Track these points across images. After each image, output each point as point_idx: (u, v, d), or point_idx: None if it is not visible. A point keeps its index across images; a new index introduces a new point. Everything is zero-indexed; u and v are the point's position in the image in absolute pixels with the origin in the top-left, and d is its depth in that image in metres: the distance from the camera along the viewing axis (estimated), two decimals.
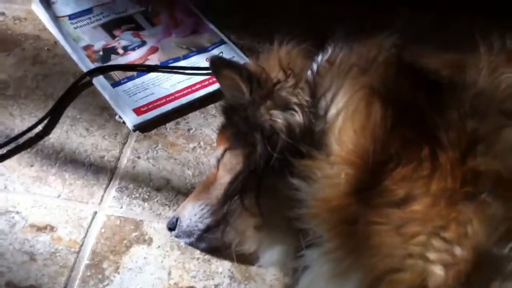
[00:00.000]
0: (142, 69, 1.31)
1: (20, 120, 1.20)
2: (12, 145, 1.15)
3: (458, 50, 0.92)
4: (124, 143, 1.18)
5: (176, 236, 1.01)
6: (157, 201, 1.09)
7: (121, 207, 1.07)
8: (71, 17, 1.42)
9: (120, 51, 1.36)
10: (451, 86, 0.85)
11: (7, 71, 1.30)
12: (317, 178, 0.83)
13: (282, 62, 0.96)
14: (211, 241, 0.99)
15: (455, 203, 0.77)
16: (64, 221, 1.04)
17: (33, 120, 1.20)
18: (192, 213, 0.98)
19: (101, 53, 1.35)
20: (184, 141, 1.19)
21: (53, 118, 1.21)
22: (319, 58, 0.96)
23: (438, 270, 0.76)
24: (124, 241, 1.02)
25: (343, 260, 0.82)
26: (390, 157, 0.81)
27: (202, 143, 1.19)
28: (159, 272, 0.99)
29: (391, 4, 1.47)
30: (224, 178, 0.96)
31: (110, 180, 1.11)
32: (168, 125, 1.22)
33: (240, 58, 1.34)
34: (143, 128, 1.21)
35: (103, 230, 1.03)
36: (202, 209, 0.98)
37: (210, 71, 1.26)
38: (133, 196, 1.09)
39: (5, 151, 1.14)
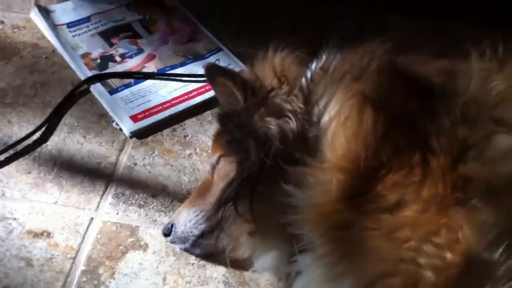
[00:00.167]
0: (139, 76, 1.32)
1: (18, 127, 1.21)
2: (10, 152, 1.16)
3: (453, 56, 0.93)
4: (121, 150, 1.19)
5: (171, 242, 1.02)
6: (153, 207, 1.10)
7: (117, 213, 1.08)
8: (69, 25, 1.43)
9: (118, 58, 1.37)
10: (442, 93, 0.86)
11: (5, 79, 1.31)
12: (310, 184, 0.84)
13: (276, 70, 0.97)
14: (206, 247, 1.00)
15: (446, 209, 0.78)
16: (60, 227, 1.05)
17: (31, 128, 1.21)
18: (187, 219, 0.99)
19: (98, 61, 1.36)
20: (180, 148, 1.20)
21: (50, 125, 1.22)
22: (313, 65, 0.97)
23: (429, 275, 0.76)
24: (120, 247, 1.03)
25: (336, 265, 0.83)
26: (382, 164, 0.82)
27: (198, 150, 1.20)
28: (154, 277, 0.99)
29: (390, 5, 1.49)
30: (219, 184, 0.97)
31: (106, 187, 1.12)
32: (165, 131, 1.23)
33: (236, 65, 1.36)
34: (140, 135, 1.22)
35: (99, 236, 1.04)
36: (197, 215, 0.99)
37: (206, 78, 1.28)
38: (129, 202, 1.10)
39: (3, 158, 1.15)
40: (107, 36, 1.42)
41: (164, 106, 1.27)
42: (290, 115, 0.91)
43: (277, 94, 0.94)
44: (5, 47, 1.38)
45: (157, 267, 1.01)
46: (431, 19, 1.45)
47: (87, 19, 1.45)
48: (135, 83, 1.31)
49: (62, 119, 1.24)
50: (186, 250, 1.01)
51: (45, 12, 1.45)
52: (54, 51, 1.38)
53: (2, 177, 1.13)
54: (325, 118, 0.89)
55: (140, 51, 1.39)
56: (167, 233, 1.01)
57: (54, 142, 1.20)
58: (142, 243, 1.04)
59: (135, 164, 1.17)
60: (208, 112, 1.26)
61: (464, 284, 0.76)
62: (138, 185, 1.13)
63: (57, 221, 1.06)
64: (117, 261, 1.01)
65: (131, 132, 1.22)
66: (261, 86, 0.95)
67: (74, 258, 1.01)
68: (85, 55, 1.37)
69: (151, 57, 1.38)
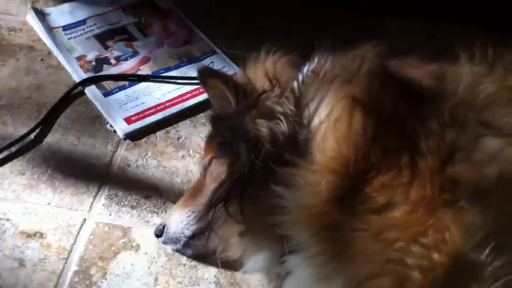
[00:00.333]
0: (134, 79, 1.33)
1: (13, 129, 1.22)
2: (5, 153, 1.17)
3: (446, 59, 0.94)
4: (115, 152, 1.20)
5: (163, 243, 1.03)
6: (145, 208, 1.10)
7: (110, 214, 1.09)
8: (65, 28, 1.45)
9: (113, 61, 1.38)
10: (432, 96, 0.87)
11: (1, 81, 1.32)
12: (300, 185, 0.85)
13: (268, 72, 0.98)
14: (197, 248, 1.01)
15: (434, 210, 0.79)
16: (53, 228, 1.06)
17: (26, 129, 1.21)
18: (179, 220, 1.00)
19: (93, 63, 1.37)
20: (174, 150, 1.21)
21: (45, 127, 1.23)
22: (305, 68, 0.98)
23: (416, 275, 0.77)
24: (112, 248, 1.04)
25: (326, 264, 0.84)
26: (371, 166, 0.83)
27: (191, 151, 1.21)
28: (146, 278, 1.00)
29: (388, 8, 1.50)
30: (211, 185, 0.97)
31: (99, 188, 1.13)
32: (158, 133, 1.24)
33: (231, 68, 1.37)
34: (134, 136, 1.23)
35: (91, 237, 1.05)
36: (189, 216, 0.99)
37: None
38: (122, 203, 1.11)
39: None
40: (103, 38, 1.43)
41: (158, 108, 1.28)
42: (281, 117, 0.92)
43: (268, 96, 0.95)
44: (1, 49, 1.39)
45: (148, 267, 1.01)
46: (427, 22, 1.47)
47: (83, 22, 1.47)
48: (130, 86, 1.32)
49: (57, 120, 1.25)
50: (177, 250, 1.02)
51: (41, 15, 1.46)
52: (49, 53, 1.39)
53: None
54: (316, 120, 0.89)
55: (135, 53, 1.40)
56: (159, 234, 1.02)
57: (48, 143, 1.21)
58: (134, 243, 1.05)
59: (129, 165, 1.18)
60: (202, 114, 1.27)
61: (450, 285, 0.76)
62: (131, 186, 1.14)
63: (50, 222, 1.07)
64: (109, 262, 1.01)
65: (125, 134, 1.23)
66: (253, 88, 0.96)
67: (67, 259, 1.02)
68: (80, 58, 1.38)
69: (146, 60, 1.39)
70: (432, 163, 0.81)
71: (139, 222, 1.08)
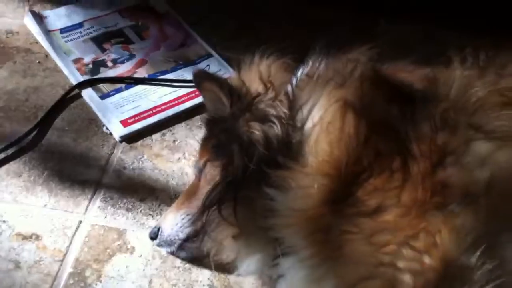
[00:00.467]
0: (130, 81, 1.34)
1: (10, 131, 1.23)
2: (1, 155, 1.18)
3: (440, 63, 0.95)
4: (111, 154, 1.21)
5: (158, 245, 1.03)
6: (140, 211, 1.11)
7: (105, 217, 1.09)
8: (62, 30, 1.45)
9: (109, 64, 1.39)
10: (424, 100, 0.88)
11: None
12: (292, 188, 0.86)
13: (262, 76, 0.98)
14: (192, 250, 1.01)
15: (425, 214, 0.80)
16: (49, 230, 1.07)
17: (23, 131, 1.22)
18: (174, 223, 1.01)
19: (90, 66, 1.38)
20: (169, 152, 1.22)
21: (41, 129, 1.24)
22: (299, 71, 0.99)
23: (407, 278, 0.78)
24: (107, 250, 1.04)
25: (318, 267, 0.85)
26: (363, 169, 0.83)
27: (186, 154, 1.21)
28: (140, 280, 1.01)
29: (387, 11, 1.51)
30: (205, 188, 0.98)
31: (95, 190, 1.14)
32: (154, 136, 1.25)
33: (227, 71, 1.37)
34: (130, 139, 1.24)
35: (87, 239, 1.06)
36: (183, 219, 1.00)
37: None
38: (117, 206, 1.11)
39: None
40: (100, 41, 1.44)
41: (154, 111, 1.29)
42: (275, 120, 0.92)
43: (262, 99, 0.95)
44: None
45: (143, 270, 1.02)
46: (420, 25, 1.47)
47: (80, 25, 1.47)
48: (126, 88, 1.33)
49: (53, 123, 1.26)
50: (172, 253, 1.03)
51: (39, 18, 1.46)
52: (47, 56, 1.40)
53: None
54: (309, 123, 0.90)
55: (131, 56, 1.41)
56: (153, 236, 1.03)
57: (45, 146, 1.21)
58: (129, 246, 1.05)
59: (124, 168, 1.18)
60: (197, 117, 1.28)
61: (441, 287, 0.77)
62: (126, 189, 1.14)
63: (46, 224, 1.08)
64: (104, 264, 1.02)
65: (121, 137, 1.23)
66: (247, 92, 0.97)
67: (62, 261, 1.02)
68: (77, 60, 1.39)
69: (142, 63, 1.40)
70: (423, 167, 0.82)
71: (134, 225, 1.08)
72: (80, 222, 1.08)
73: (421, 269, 0.78)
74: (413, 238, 0.79)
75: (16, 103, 1.29)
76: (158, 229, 1.02)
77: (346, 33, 1.37)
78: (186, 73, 1.37)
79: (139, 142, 1.23)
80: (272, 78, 0.98)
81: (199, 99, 1.29)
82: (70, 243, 1.05)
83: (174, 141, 1.24)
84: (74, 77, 1.34)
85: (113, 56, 1.40)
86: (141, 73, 1.37)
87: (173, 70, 1.38)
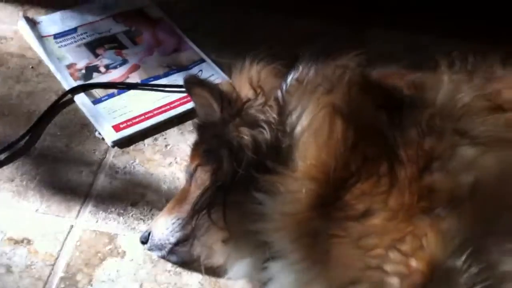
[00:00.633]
0: (123, 87, 1.35)
1: (3, 136, 1.24)
2: None
3: (428, 69, 0.96)
4: (103, 159, 1.21)
5: (149, 250, 1.04)
6: (132, 215, 1.12)
7: (97, 221, 1.10)
8: (56, 36, 1.46)
9: (102, 69, 1.40)
10: (411, 105, 0.89)
11: None
12: (281, 192, 0.87)
13: (252, 81, 0.99)
14: (182, 255, 1.02)
15: (412, 218, 0.80)
16: (41, 234, 1.07)
17: (16, 136, 1.23)
18: (164, 227, 1.01)
19: (83, 71, 1.39)
20: (161, 157, 1.23)
21: (34, 134, 1.25)
22: (290, 77, 1.00)
23: (394, 282, 0.79)
24: (98, 254, 1.05)
25: (307, 271, 0.86)
26: (351, 173, 0.84)
27: (178, 159, 1.22)
28: (131, 284, 1.01)
29: (370, 19, 1.52)
30: (196, 193, 0.98)
31: (87, 195, 1.14)
32: (146, 141, 1.26)
33: (219, 76, 1.38)
34: (122, 144, 1.24)
35: (78, 244, 1.06)
36: (174, 223, 1.01)
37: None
38: (108, 210, 1.12)
39: None
40: (93, 47, 1.45)
41: (146, 116, 1.29)
42: (264, 126, 0.93)
43: (252, 105, 0.96)
44: None
45: (134, 274, 1.03)
46: (409, 33, 1.49)
47: (73, 30, 1.48)
48: (119, 93, 1.34)
49: (46, 128, 1.26)
50: (163, 257, 1.04)
51: (32, 23, 1.47)
52: (40, 61, 1.40)
53: None
54: (298, 128, 0.91)
55: (124, 61, 1.42)
56: (144, 240, 1.03)
57: (37, 150, 1.22)
58: (120, 250, 1.06)
59: (116, 172, 1.19)
60: (190, 122, 1.28)
61: None
62: (118, 193, 1.15)
63: (37, 229, 1.08)
64: (95, 268, 1.03)
65: (113, 142, 1.24)
66: (237, 97, 0.98)
67: (53, 265, 1.03)
68: (70, 66, 1.39)
69: (135, 68, 1.41)
70: (410, 172, 0.83)
71: (126, 229, 1.09)
72: (72, 226, 1.09)
73: (408, 272, 0.78)
74: (400, 242, 0.80)
75: (9, 108, 1.29)
76: (149, 234, 1.02)
77: (334, 41, 1.38)
78: (179, 78, 1.37)
79: (131, 147, 1.24)
80: (262, 84, 0.99)
81: (191, 104, 1.29)
82: (62, 247, 1.05)
83: (166, 146, 1.25)
84: (67, 83, 1.35)
85: (106, 61, 1.41)
86: (134, 78, 1.38)
87: (165, 75, 1.39)
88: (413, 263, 0.78)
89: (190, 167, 1.03)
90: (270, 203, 0.86)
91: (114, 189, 1.16)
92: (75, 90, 1.33)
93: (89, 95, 1.33)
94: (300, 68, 1.00)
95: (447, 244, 0.78)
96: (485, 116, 0.84)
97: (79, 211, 1.11)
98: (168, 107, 1.32)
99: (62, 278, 1.01)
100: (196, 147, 1.04)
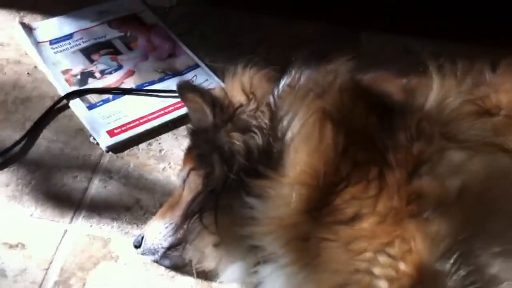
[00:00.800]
0: (117, 92, 1.36)
1: None
2: None
3: (419, 73, 0.97)
4: (97, 164, 1.22)
5: (142, 254, 1.05)
6: (126, 220, 1.12)
7: (91, 226, 1.11)
8: (52, 42, 1.47)
9: (98, 75, 1.41)
10: (401, 110, 0.90)
11: None
12: (271, 197, 0.88)
13: (244, 87, 1.00)
14: (175, 258, 1.03)
15: (401, 221, 0.82)
16: (35, 239, 1.08)
17: (11, 142, 1.24)
18: (157, 232, 1.02)
19: (79, 77, 1.40)
20: (155, 162, 1.23)
21: (30, 139, 1.26)
22: (282, 82, 1.01)
23: (382, 285, 0.80)
24: (92, 258, 1.06)
25: (297, 274, 0.87)
26: (341, 178, 0.85)
27: (172, 164, 1.23)
28: None
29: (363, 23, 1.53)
30: (188, 197, 1.00)
31: (81, 200, 1.15)
32: (141, 146, 1.27)
33: (214, 81, 1.39)
34: (116, 149, 1.25)
35: (72, 248, 1.07)
36: (167, 228, 1.02)
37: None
38: (102, 215, 1.13)
39: None
40: (88, 52, 1.45)
41: (140, 121, 1.30)
42: (256, 131, 0.94)
43: (244, 110, 0.97)
44: None
45: (127, 278, 1.04)
46: (403, 37, 1.50)
47: (69, 36, 1.49)
48: (113, 99, 1.35)
49: (41, 133, 1.27)
50: (156, 261, 1.04)
51: (29, 29, 1.48)
52: (36, 67, 1.41)
53: None
54: (289, 134, 0.92)
55: (119, 67, 1.43)
56: (137, 245, 1.04)
57: (33, 156, 1.23)
58: (113, 254, 1.07)
59: (111, 177, 1.20)
60: (184, 127, 1.28)
61: None
62: (112, 198, 1.16)
63: (32, 233, 1.09)
64: (89, 272, 1.04)
65: (108, 147, 1.25)
66: (230, 102, 0.99)
67: (47, 269, 1.04)
68: (66, 71, 1.40)
69: (130, 73, 1.42)
70: (399, 176, 0.84)
71: (119, 234, 1.10)
72: (66, 231, 1.10)
73: (396, 275, 0.80)
74: (388, 245, 0.81)
75: (5, 114, 1.30)
76: (142, 238, 1.03)
77: (326, 46, 1.39)
78: (174, 83, 1.37)
79: (126, 152, 1.25)
80: (254, 89, 1.00)
81: (185, 110, 1.30)
82: (56, 251, 1.06)
83: (160, 150, 1.26)
84: (63, 88, 1.36)
85: (101, 67, 1.42)
86: (129, 83, 1.39)
87: (160, 80, 1.40)
88: (402, 266, 0.80)
89: (183, 172, 1.04)
90: (261, 208, 0.87)
91: (108, 193, 1.17)
92: (70, 96, 1.34)
93: (84, 101, 1.34)
94: (293, 73, 1.01)
95: (435, 247, 0.79)
96: (473, 120, 0.85)
97: (73, 216, 1.12)
98: (163, 112, 1.33)
99: (56, 282, 1.02)
100: (189, 151, 1.05)
